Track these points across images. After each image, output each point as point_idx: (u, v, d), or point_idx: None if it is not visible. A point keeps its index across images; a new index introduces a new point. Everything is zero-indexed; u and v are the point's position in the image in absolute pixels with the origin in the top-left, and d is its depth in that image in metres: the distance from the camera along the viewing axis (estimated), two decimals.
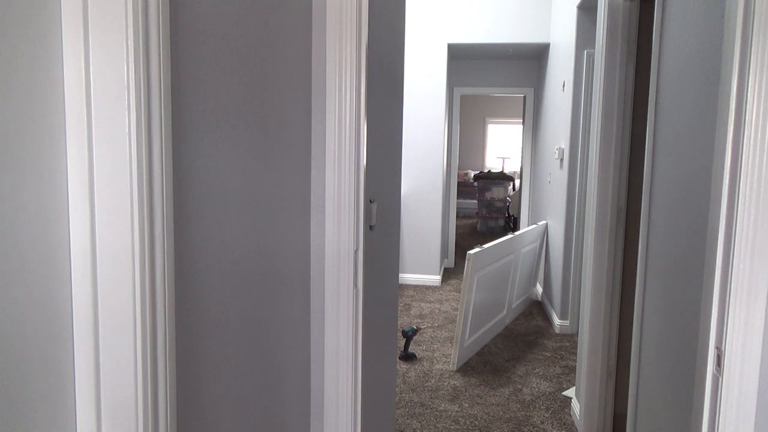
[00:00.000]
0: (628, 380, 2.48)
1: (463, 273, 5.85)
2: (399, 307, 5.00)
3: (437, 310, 4.93)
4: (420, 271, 5.73)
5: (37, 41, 0.63)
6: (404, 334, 3.79)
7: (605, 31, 2.56)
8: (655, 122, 2.03)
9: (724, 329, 1.09)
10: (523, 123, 6.60)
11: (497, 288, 4.14)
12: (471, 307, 3.67)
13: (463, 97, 11.91)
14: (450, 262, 6.65)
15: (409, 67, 5.47)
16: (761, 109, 1.01)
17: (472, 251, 3.54)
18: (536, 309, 5.05)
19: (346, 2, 1.43)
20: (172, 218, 0.77)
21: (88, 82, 0.67)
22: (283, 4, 1.25)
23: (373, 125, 1.70)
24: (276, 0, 1.20)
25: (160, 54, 0.72)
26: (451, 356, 3.72)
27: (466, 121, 12.29)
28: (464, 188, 10.77)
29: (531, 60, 6.23)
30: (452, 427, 2.89)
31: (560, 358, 3.86)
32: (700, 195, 1.60)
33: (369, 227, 1.68)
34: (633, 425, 2.19)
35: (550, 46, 5.19)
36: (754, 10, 1.02)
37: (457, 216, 10.30)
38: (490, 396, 3.26)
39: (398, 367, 3.66)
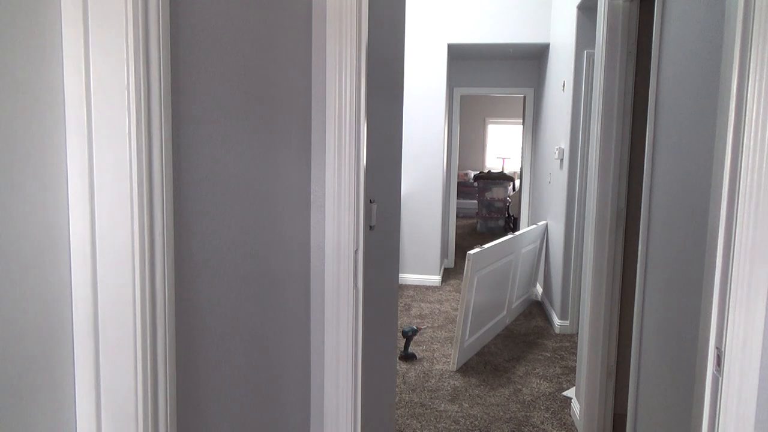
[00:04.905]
0: (628, 380, 2.48)
1: (463, 273, 5.85)
2: (399, 307, 5.00)
3: (437, 310, 4.93)
4: (420, 271, 5.73)
5: (37, 41, 0.63)
6: (404, 334, 3.79)
7: (605, 31, 2.56)
8: (655, 122, 2.03)
9: (724, 329, 1.09)
10: (523, 123, 6.60)
11: (497, 288, 4.14)
12: (471, 307, 3.67)
13: (463, 97, 11.91)
14: (450, 262, 6.65)
15: (409, 67, 5.47)
16: (761, 109, 1.01)
17: (472, 251, 3.54)
18: (536, 309, 5.05)
19: (346, 2, 1.43)
20: (172, 218, 0.77)
21: (88, 82, 0.67)
22: (283, 4, 1.25)
23: (373, 125, 1.70)
24: (276, 0, 1.20)
25: (160, 54, 0.72)
26: (451, 356, 3.72)
27: (466, 121, 12.29)
28: (464, 188, 10.77)
29: (531, 60, 6.23)
30: (452, 427, 2.89)
31: (560, 358, 3.86)
32: (700, 195, 1.60)
33: (369, 227, 1.68)
34: (633, 425, 2.19)
35: (550, 46, 5.19)
36: (754, 10, 1.02)
37: (457, 216, 10.30)
38: (490, 396, 3.25)
39: (398, 367, 3.66)
